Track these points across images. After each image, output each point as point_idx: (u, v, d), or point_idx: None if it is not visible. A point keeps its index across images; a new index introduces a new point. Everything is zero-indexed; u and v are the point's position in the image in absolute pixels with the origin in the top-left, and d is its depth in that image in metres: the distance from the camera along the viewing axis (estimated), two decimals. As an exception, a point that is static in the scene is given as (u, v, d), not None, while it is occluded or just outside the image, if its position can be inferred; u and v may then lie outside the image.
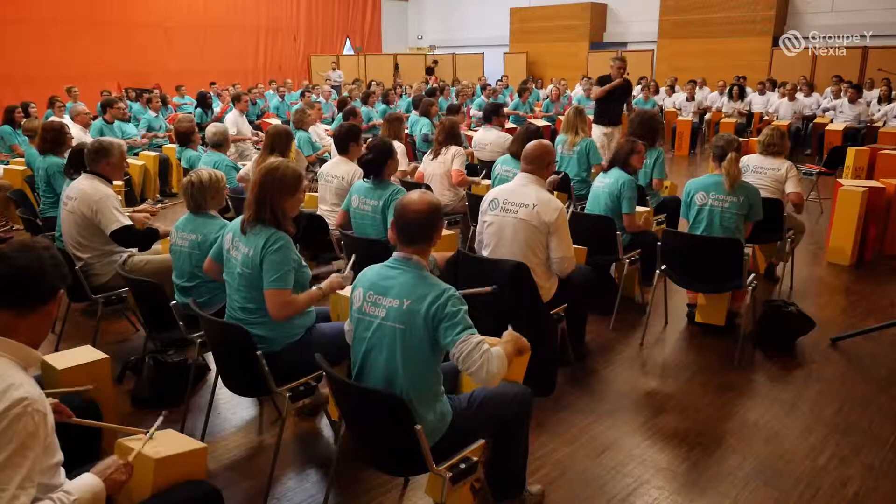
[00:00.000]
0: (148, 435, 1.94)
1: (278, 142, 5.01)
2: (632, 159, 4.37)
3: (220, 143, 5.45)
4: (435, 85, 14.50)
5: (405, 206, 2.21)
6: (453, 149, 5.40)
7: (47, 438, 1.58)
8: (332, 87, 14.24)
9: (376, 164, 3.90)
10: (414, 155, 7.79)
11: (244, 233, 2.74)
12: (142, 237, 3.85)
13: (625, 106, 7.63)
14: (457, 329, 2.06)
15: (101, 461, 1.82)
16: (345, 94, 12.70)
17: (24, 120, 7.58)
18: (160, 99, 10.31)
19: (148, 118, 9.45)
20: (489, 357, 2.07)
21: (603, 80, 7.56)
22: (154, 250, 4.11)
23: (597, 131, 7.43)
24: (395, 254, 2.24)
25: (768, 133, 4.77)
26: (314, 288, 2.84)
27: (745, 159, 4.74)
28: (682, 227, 4.31)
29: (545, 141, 3.57)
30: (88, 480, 1.73)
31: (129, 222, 3.77)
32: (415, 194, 2.25)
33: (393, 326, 2.12)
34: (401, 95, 12.08)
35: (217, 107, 10.84)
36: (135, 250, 3.95)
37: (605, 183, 4.35)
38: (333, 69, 17.53)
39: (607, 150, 6.92)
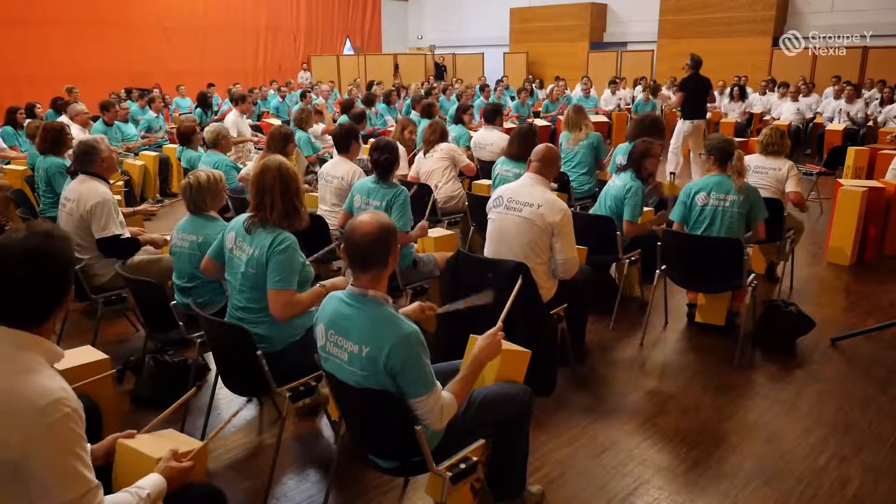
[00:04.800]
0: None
1: (274, 142, 5.01)
2: (646, 162, 4.26)
3: (217, 143, 5.44)
4: (435, 85, 14.49)
5: (354, 229, 2.08)
6: (447, 145, 5.52)
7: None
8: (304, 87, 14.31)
9: (391, 164, 3.91)
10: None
11: (248, 232, 2.74)
12: (124, 247, 3.78)
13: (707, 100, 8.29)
14: (414, 387, 2.03)
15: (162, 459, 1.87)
16: (346, 95, 12.71)
17: (28, 121, 7.55)
18: (161, 99, 10.30)
19: (148, 118, 9.45)
20: (439, 414, 2.07)
21: (683, 84, 7.99)
22: (152, 250, 4.10)
23: (685, 126, 8.00)
24: (349, 287, 2.14)
25: (768, 133, 4.79)
26: (318, 285, 2.84)
27: (746, 159, 4.75)
28: (677, 228, 4.28)
29: (552, 146, 3.58)
30: (155, 478, 1.79)
31: (119, 231, 3.73)
32: (365, 216, 2.12)
33: (354, 371, 2.10)
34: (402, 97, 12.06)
35: (225, 107, 10.84)
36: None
37: (615, 185, 4.33)
38: (304, 69, 17.56)
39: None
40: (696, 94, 7.87)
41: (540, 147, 3.48)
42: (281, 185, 2.73)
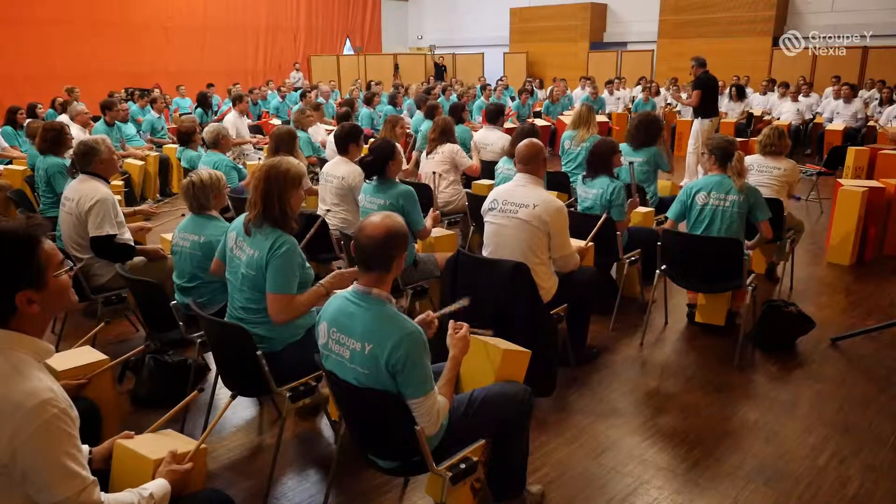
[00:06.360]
0: None
1: (283, 143, 5.01)
2: (614, 159, 4.33)
3: (217, 143, 5.44)
4: (434, 84, 14.48)
5: (362, 229, 2.10)
6: (449, 146, 5.45)
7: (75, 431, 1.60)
8: (295, 88, 14.33)
9: (376, 166, 3.89)
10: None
11: (248, 233, 2.74)
12: (117, 251, 3.74)
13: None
14: (413, 388, 2.04)
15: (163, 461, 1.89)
16: (346, 95, 12.71)
17: (28, 121, 7.54)
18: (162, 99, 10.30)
19: (150, 119, 9.43)
20: (436, 417, 2.08)
21: (700, 82, 8.01)
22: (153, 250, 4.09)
23: (704, 125, 8.01)
24: (354, 285, 2.16)
25: (767, 133, 4.85)
26: (317, 285, 2.83)
27: (747, 160, 4.79)
28: (669, 226, 4.27)
29: (534, 140, 3.58)
30: (160, 482, 1.81)
31: (113, 232, 3.70)
32: (377, 216, 2.13)
33: (356, 369, 2.11)
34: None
35: (224, 107, 10.84)
36: None
37: (591, 194, 4.29)
38: (296, 69, 17.60)
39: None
40: (710, 91, 8.01)
41: (520, 147, 3.47)
42: (266, 185, 2.70)
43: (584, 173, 4.42)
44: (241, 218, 2.82)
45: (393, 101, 10.52)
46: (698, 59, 7.99)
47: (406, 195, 3.85)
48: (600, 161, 4.31)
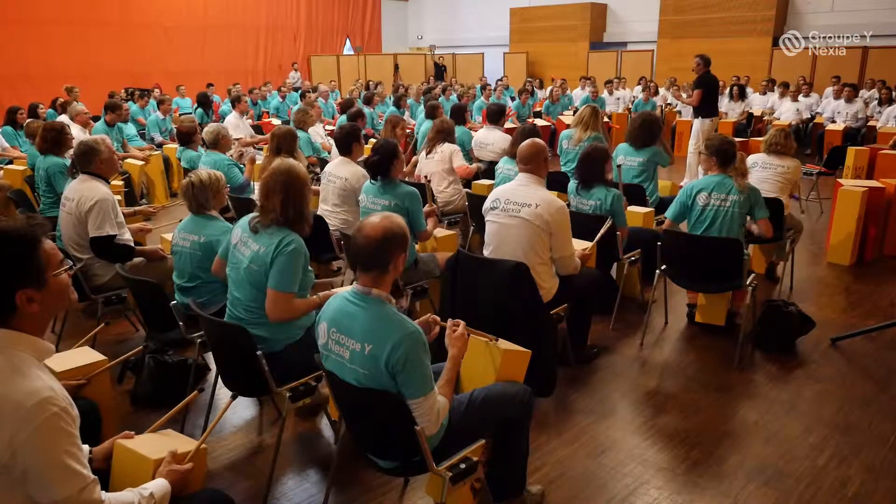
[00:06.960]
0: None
1: (284, 143, 5.01)
2: (607, 166, 4.27)
3: (217, 143, 5.44)
4: (434, 84, 14.48)
5: (360, 229, 2.11)
6: (448, 146, 5.44)
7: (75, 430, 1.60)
8: (294, 88, 14.33)
9: (382, 165, 3.90)
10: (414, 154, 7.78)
11: (255, 231, 2.74)
12: (117, 251, 3.73)
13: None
14: (413, 388, 2.04)
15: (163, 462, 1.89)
16: (347, 95, 12.70)
17: (29, 121, 7.53)
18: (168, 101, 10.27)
19: (155, 119, 9.41)
20: (436, 417, 2.09)
21: (702, 81, 7.99)
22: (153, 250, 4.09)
23: (705, 124, 7.97)
24: (354, 285, 2.17)
25: (773, 133, 4.96)
26: (315, 296, 2.84)
27: (752, 157, 4.85)
28: (667, 226, 4.26)
29: (537, 139, 3.58)
30: (160, 482, 1.82)
31: (114, 232, 3.70)
32: (375, 218, 2.14)
33: (356, 370, 2.11)
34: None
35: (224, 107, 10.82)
36: None
37: (589, 204, 4.24)
38: (294, 69, 17.61)
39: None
40: (711, 91, 8.00)
41: (522, 147, 3.46)
42: (285, 189, 2.71)
43: (578, 183, 4.32)
44: (249, 216, 2.82)
45: (397, 103, 10.43)
46: (703, 58, 7.94)
47: (411, 196, 3.85)
48: (592, 171, 4.23)
